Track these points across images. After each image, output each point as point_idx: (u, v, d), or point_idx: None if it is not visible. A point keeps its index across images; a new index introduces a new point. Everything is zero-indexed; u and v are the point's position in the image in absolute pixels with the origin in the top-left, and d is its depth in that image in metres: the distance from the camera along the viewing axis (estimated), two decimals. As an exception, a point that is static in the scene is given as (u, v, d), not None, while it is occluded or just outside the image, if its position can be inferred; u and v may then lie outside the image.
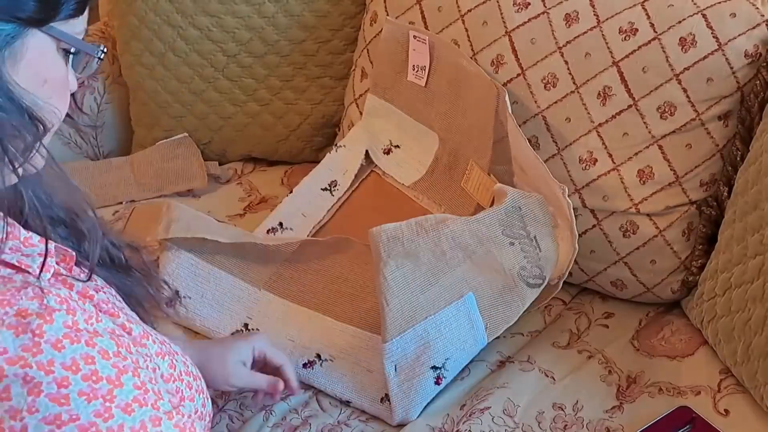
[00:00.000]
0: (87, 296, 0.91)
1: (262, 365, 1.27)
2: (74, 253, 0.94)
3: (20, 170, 0.85)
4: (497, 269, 1.32)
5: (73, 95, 0.92)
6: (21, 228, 0.89)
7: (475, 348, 1.34)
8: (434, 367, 1.31)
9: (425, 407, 1.32)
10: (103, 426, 0.80)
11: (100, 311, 0.90)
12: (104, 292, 0.97)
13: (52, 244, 0.89)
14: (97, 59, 0.93)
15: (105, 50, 0.94)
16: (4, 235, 0.85)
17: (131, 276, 1.08)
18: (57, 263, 0.90)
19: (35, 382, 0.78)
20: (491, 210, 1.31)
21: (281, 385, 1.25)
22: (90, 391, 0.80)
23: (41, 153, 0.87)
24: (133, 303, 1.06)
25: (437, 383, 1.31)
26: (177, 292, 1.43)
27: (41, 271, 0.86)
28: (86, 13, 0.92)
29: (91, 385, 0.80)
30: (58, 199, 1.00)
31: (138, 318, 1.02)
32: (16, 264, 0.85)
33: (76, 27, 0.90)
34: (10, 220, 0.88)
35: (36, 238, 0.89)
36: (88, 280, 0.93)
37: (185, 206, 1.51)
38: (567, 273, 1.34)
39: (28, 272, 0.86)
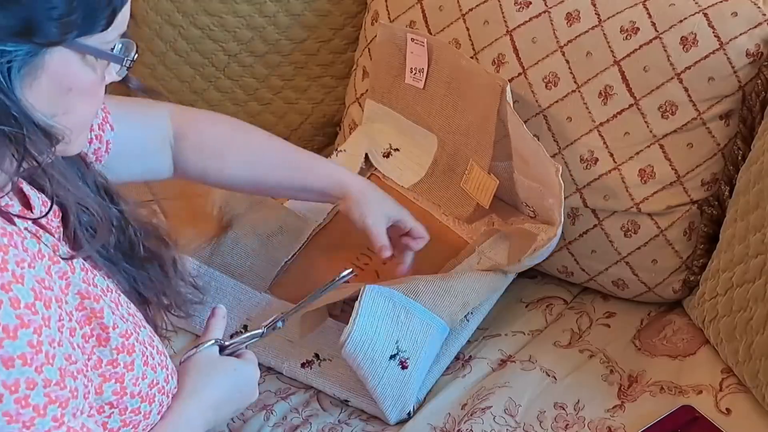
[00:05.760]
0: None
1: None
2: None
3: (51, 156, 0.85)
4: None
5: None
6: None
7: (430, 325, 1.32)
8: (392, 356, 1.28)
9: (425, 405, 1.32)
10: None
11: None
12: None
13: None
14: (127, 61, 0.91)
15: (138, 51, 0.92)
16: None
17: (145, 271, 1.03)
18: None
19: None
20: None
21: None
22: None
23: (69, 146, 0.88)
24: (140, 300, 1.03)
25: (403, 367, 1.29)
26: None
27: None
28: (122, 15, 0.90)
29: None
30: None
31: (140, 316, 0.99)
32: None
33: (105, 36, 0.87)
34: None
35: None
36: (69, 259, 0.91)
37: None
38: (545, 250, 1.36)
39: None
